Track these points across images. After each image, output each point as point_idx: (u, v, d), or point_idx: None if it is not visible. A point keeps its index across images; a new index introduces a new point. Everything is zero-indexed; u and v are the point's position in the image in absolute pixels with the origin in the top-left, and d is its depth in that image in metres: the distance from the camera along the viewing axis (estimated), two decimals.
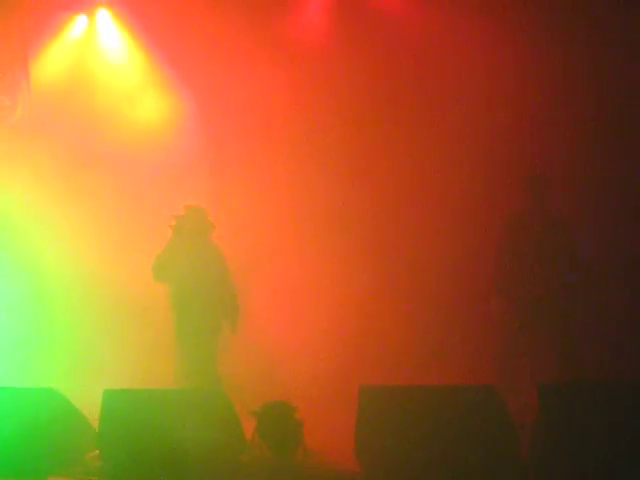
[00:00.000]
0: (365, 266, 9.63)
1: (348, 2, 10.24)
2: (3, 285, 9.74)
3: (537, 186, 8.35)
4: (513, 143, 9.58)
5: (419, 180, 9.79)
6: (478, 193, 9.53)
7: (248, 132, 10.27)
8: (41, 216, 10.09)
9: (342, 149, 10.02)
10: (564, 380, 7.87)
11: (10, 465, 6.99)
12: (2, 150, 10.28)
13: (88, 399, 7.55)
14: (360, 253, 9.70)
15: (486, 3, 9.70)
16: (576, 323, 8.41)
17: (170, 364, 8.45)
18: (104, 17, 10.72)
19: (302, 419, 7.35)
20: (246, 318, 8.48)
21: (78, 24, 10.70)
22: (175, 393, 7.62)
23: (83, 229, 10.09)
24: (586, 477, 6.52)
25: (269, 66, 10.14)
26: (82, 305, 9.97)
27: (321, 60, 10.14)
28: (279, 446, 7.31)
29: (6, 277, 9.79)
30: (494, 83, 9.66)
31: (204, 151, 10.30)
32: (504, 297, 8.38)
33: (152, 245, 8.67)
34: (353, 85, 10.02)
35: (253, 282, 8.92)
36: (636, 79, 9.38)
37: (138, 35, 10.64)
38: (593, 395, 6.74)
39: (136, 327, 9.81)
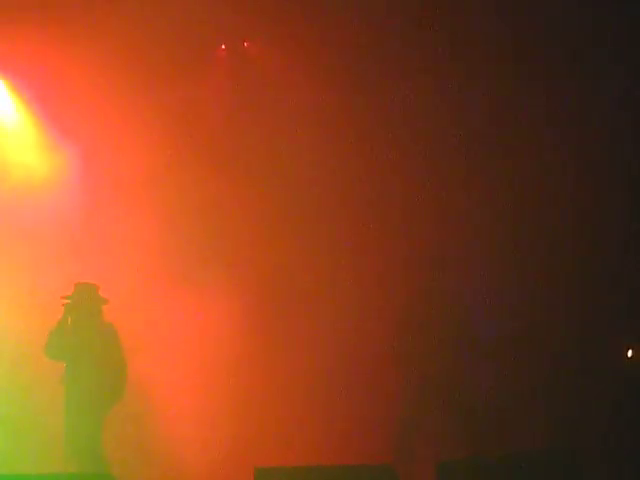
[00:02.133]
0: (259, 344, 9.53)
1: None
2: None
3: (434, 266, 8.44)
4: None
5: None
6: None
7: (137, 193, 10.15)
8: None
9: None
10: (464, 458, 7.78)
11: None
12: None
13: None
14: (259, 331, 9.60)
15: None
16: (477, 398, 8.39)
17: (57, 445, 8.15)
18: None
19: None
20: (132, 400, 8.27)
21: None
22: (62, 477, 7.29)
23: None
24: None
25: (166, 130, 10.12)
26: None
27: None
28: None
29: None
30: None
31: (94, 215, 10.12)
32: (402, 374, 8.33)
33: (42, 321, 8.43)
34: None
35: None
36: None
37: (31, 105, 10.53)
38: (494, 471, 6.66)
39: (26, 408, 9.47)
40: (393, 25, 9.71)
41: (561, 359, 9.05)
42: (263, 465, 6.77)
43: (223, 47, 10.51)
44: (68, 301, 8.21)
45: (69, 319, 8.22)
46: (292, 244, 9.83)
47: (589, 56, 9.44)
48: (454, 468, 6.78)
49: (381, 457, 7.87)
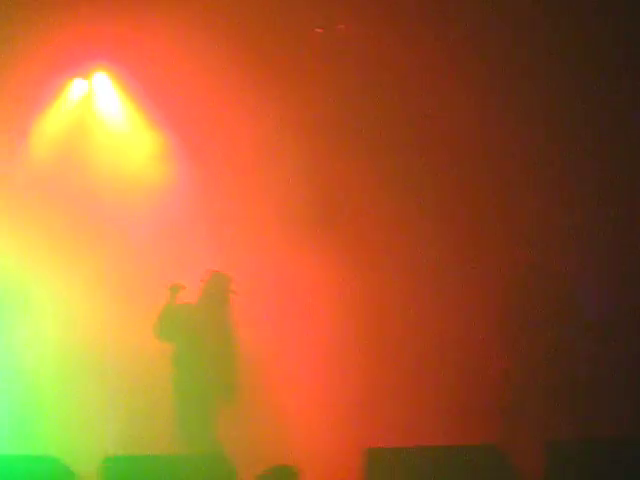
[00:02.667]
0: (369, 324, 9.58)
1: None
2: (1, 349, 9.63)
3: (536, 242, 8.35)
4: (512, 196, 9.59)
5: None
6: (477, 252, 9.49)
7: (246, 190, 10.29)
8: (40, 280, 10.04)
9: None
10: (572, 437, 7.74)
11: None
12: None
13: (88, 466, 7.42)
14: (362, 313, 9.64)
15: None
16: (583, 379, 8.31)
17: (171, 428, 8.34)
18: (101, 80, 10.80)
19: None
20: (248, 380, 8.38)
21: (76, 87, 10.78)
22: (177, 459, 7.50)
23: (82, 292, 10.03)
24: None
25: (270, 125, 10.21)
26: (81, 369, 9.88)
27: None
28: None
29: (4, 342, 9.68)
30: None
31: (202, 209, 10.30)
32: (509, 355, 8.31)
33: (151, 308, 8.62)
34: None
35: (256, 344, 8.81)
36: None
37: (135, 96, 10.71)
38: (604, 452, 6.62)
39: (136, 391, 9.72)
40: None
41: None
42: (373, 446, 6.90)
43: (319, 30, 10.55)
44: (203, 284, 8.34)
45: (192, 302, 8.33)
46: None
47: None
48: (562, 448, 6.77)
49: (488, 437, 7.88)
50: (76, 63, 10.58)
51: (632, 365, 8.79)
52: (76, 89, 10.80)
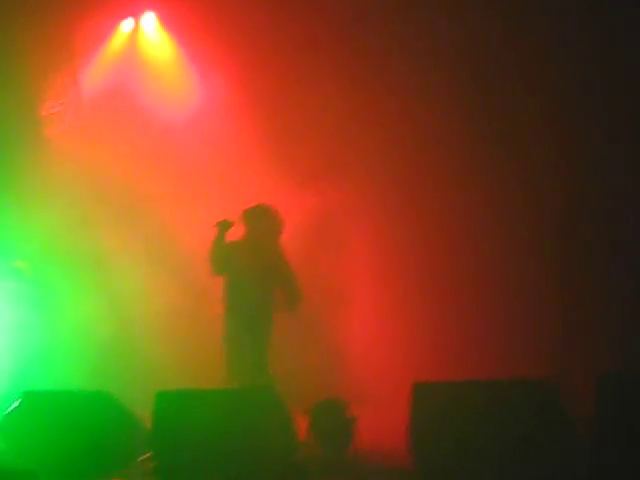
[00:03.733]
0: (415, 268, 9.55)
1: None
2: (52, 291, 9.76)
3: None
4: None
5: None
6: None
7: (284, 134, 10.25)
8: (89, 229, 10.16)
9: None
10: (622, 372, 7.64)
11: (62, 468, 6.98)
12: (52, 157, 10.38)
13: (139, 401, 7.53)
14: (411, 259, 9.62)
15: None
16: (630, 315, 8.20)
17: (221, 363, 8.40)
18: (150, 21, 10.79)
19: (355, 415, 7.26)
20: (297, 317, 8.39)
21: (124, 28, 10.78)
22: (227, 393, 7.57)
23: (129, 237, 10.14)
24: None
25: (310, 77, 10.14)
26: (130, 307, 10.02)
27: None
28: (331, 444, 7.22)
29: (54, 283, 9.81)
30: None
31: (246, 155, 10.28)
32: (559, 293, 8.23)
33: (199, 245, 8.65)
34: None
35: (306, 281, 8.78)
36: None
37: (184, 39, 10.69)
38: None
39: (186, 326, 9.84)
40: None
41: None
42: (422, 381, 6.89)
43: None
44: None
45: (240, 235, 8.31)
46: None
47: None
48: (614, 381, 6.68)
49: (540, 372, 7.82)
50: (125, 5, 10.62)
51: None
52: (125, 30, 10.82)
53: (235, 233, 8.25)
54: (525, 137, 9.36)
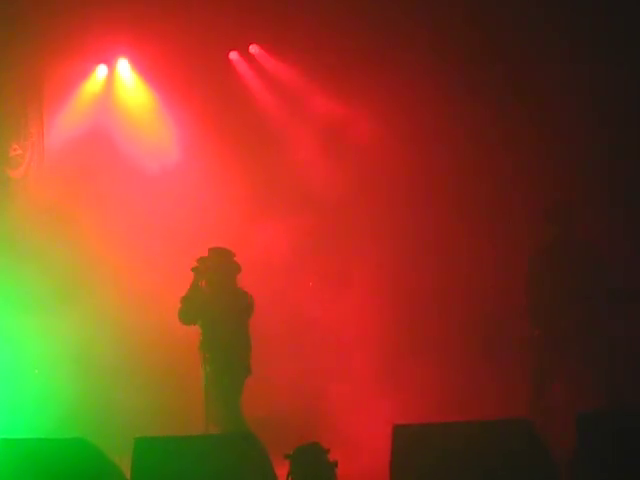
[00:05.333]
0: (390, 310, 9.60)
1: None
2: (34, 339, 9.69)
3: (561, 214, 8.29)
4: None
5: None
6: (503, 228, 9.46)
7: (264, 191, 10.31)
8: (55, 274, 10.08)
9: None
10: (603, 409, 7.70)
11: None
12: (15, 200, 10.33)
13: (118, 448, 7.46)
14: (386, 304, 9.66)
15: None
16: (613, 349, 8.25)
17: (198, 409, 8.37)
18: (123, 67, 10.84)
19: (335, 460, 7.24)
20: (272, 359, 8.40)
21: (99, 72, 10.83)
22: (207, 439, 7.52)
23: (107, 281, 10.09)
24: None
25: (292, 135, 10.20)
26: (107, 354, 9.95)
27: None
28: None
29: (38, 330, 9.74)
30: None
31: (218, 197, 10.32)
32: (539, 327, 8.25)
33: (176, 291, 8.64)
34: None
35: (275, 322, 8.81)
36: None
37: (157, 86, 10.77)
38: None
39: (162, 373, 9.79)
40: None
41: None
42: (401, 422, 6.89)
43: None
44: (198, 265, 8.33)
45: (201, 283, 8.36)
46: None
47: None
48: (592, 419, 6.73)
49: (518, 411, 7.86)
50: (100, 50, 10.66)
51: None
52: (98, 75, 10.86)
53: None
54: None
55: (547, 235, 8.42)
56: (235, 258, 8.38)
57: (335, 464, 7.22)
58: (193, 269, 8.29)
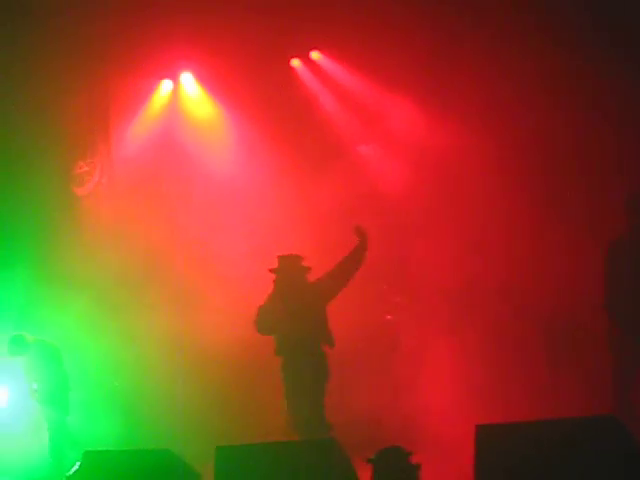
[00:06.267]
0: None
1: None
2: (109, 351, 9.80)
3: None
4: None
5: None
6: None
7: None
8: (129, 281, 10.19)
9: None
10: None
11: None
12: (80, 218, 10.45)
13: (200, 458, 7.50)
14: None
15: None
16: None
17: (276, 417, 8.38)
18: (188, 80, 10.94)
19: (418, 463, 7.18)
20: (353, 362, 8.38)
21: (164, 87, 10.94)
22: (288, 445, 7.50)
23: (171, 297, 10.17)
24: None
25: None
26: (186, 365, 10.02)
27: None
28: None
29: (111, 343, 9.85)
30: None
31: (287, 203, 10.35)
32: (618, 324, 8.09)
33: (246, 301, 8.68)
34: None
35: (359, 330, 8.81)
36: None
37: (221, 97, 10.83)
38: None
39: (240, 382, 9.83)
40: None
41: None
42: (485, 422, 6.81)
43: None
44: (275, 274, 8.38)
45: (276, 292, 8.38)
46: None
47: None
48: None
49: (602, 409, 7.73)
50: (164, 66, 10.77)
51: None
52: (164, 89, 10.98)
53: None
54: None
55: (627, 228, 8.22)
56: (303, 262, 8.38)
57: (418, 467, 7.17)
58: (274, 277, 8.30)
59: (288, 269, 8.28)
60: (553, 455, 6.58)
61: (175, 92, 11.06)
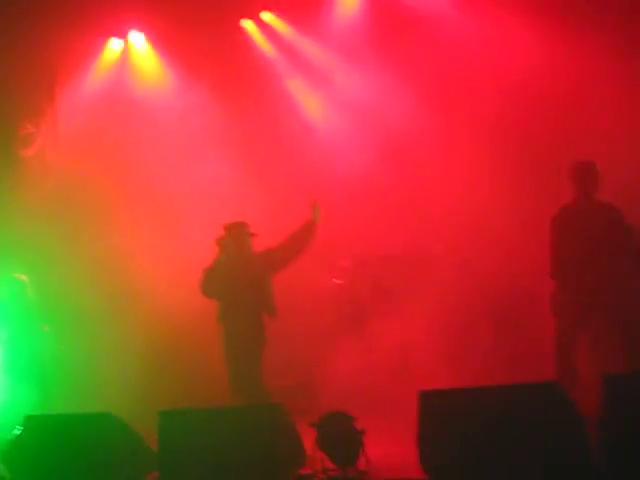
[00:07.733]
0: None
1: None
2: (52, 312, 9.68)
3: (585, 173, 8.16)
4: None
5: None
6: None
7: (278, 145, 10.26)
8: (78, 240, 10.07)
9: None
10: (629, 372, 7.63)
11: None
12: (25, 179, 10.30)
13: (143, 422, 7.46)
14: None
15: None
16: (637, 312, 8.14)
17: (222, 381, 8.36)
18: (136, 40, 10.79)
19: (362, 428, 7.22)
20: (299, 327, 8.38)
21: (111, 46, 10.78)
22: (232, 410, 7.50)
23: (118, 254, 10.08)
24: None
25: None
26: (129, 328, 9.94)
27: None
28: (340, 457, 7.18)
29: (52, 303, 9.73)
30: None
31: (239, 162, 10.28)
32: (563, 291, 8.15)
33: (196, 264, 8.62)
34: None
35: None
36: None
37: (169, 56, 10.72)
38: None
39: (185, 347, 9.78)
40: None
41: None
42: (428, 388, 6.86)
43: None
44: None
45: (221, 256, 8.35)
46: None
47: None
48: (619, 381, 6.68)
49: (547, 375, 7.81)
50: (113, 25, 10.59)
51: None
52: (113, 47, 10.81)
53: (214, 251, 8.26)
54: None
55: (572, 198, 8.27)
56: (249, 229, 8.35)
57: (363, 432, 7.21)
58: (217, 240, 8.27)
59: (234, 236, 8.24)
60: (495, 421, 6.66)
61: (124, 51, 10.89)
